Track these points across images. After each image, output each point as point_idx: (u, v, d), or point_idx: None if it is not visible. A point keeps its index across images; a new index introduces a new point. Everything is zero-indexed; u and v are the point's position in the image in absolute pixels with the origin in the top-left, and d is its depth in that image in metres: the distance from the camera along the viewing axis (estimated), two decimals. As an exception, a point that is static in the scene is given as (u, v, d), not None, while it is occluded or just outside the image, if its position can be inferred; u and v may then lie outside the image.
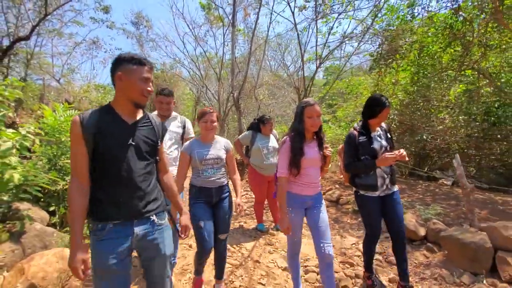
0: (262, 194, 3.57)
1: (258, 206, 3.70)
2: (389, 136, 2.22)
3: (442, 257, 2.80)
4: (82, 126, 1.22)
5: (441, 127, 5.68)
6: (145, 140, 1.35)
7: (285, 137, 1.98)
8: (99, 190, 1.27)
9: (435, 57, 5.56)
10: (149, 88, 1.30)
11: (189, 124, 2.73)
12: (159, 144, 1.44)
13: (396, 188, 2.22)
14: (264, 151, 3.40)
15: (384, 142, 2.14)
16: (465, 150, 5.81)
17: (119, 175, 1.27)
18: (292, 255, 2.13)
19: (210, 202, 2.14)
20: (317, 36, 6.95)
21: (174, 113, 2.67)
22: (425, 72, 5.67)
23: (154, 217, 1.36)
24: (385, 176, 2.13)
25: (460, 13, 4.96)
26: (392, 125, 6.41)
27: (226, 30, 12.51)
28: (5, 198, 2.51)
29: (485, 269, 2.45)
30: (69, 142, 2.58)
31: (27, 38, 6.12)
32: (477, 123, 5.47)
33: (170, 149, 2.46)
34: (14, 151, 2.33)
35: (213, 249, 2.11)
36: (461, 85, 5.90)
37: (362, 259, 2.59)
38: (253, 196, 3.93)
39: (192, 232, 1.92)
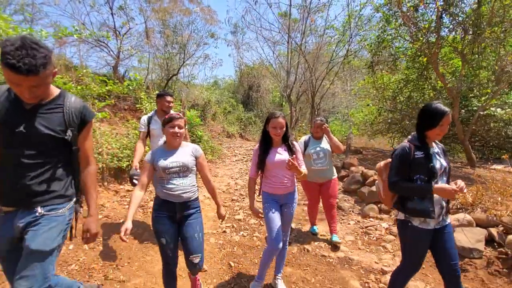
0: (313, 198, 3.51)
1: (309, 208, 3.67)
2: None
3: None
4: None
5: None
6: (42, 129, 1.22)
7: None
8: None
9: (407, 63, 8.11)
10: (26, 96, 1.16)
11: None
12: (67, 134, 1.27)
13: (449, 219, 1.85)
14: (314, 156, 3.24)
15: (444, 162, 1.76)
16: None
17: (6, 162, 1.23)
18: (270, 241, 2.18)
19: (174, 217, 1.93)
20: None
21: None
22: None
23: (39, 209, 1.26)
24: (444, 204, 1.75)
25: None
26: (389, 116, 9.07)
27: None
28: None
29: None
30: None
31: (177, 73, 12.26)
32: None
33: None
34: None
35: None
36: (439, 82, 8.04)
37: None
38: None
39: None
